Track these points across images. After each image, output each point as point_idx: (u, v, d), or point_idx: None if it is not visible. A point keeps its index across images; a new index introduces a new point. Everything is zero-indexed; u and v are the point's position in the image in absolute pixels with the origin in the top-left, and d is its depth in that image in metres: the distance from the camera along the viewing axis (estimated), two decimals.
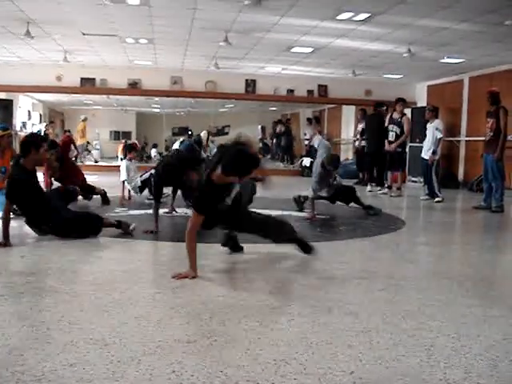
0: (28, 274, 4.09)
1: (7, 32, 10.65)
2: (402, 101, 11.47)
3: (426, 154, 10.32)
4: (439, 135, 10.09)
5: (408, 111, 14.93)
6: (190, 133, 19.33)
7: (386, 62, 13.02)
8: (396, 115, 11.36)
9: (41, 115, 22.56)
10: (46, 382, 2.19)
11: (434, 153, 10.11)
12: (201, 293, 3.59)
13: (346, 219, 7.78)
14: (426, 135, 10.54)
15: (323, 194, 7.82)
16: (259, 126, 26.53)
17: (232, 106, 22.98)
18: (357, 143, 14.42)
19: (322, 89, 16.42)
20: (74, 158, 12.64)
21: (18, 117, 18.99)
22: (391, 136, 11.30)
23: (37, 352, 2.49)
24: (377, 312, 3.28)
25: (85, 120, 21.02)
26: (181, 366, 2.38)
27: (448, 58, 12.09)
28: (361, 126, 13.83)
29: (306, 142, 18.94)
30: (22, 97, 19.59)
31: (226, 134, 23.85)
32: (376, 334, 2.87)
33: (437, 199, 9.99)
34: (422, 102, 15.62)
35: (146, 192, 8.89)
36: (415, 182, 13.23)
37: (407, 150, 12.71)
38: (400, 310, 3.31)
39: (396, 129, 11.30)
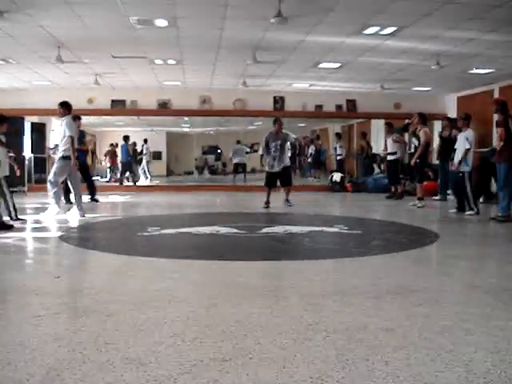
0: (63, 295, 4.14)
1: (38, 57, 10.89)
2: (417, 113, 11.59)
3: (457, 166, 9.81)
4: (467, 146, 9.55)
5: (438, 124, 14.81)
6: None
7: (415, 75, 12.96)
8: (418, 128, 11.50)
9: None
10: None
11: (460, 163, 9.60)
12: (235, 311, 3.58)
13: (379, 234, 7.79)
14: (453, 146, 10.08)
15: None
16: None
17: (260, 123, 23.08)
18: (393, 156, 13.59)
19: (351, 103, 16.40)
20: None
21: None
22: (413, 148, 11.54)
23: (74, 372, 2.51)
24: (413, 327, 3.23)
25: (112, 145, 21.76)
26: None
27: (477, 68, 11.99)
28: (389, 141, 13.56)
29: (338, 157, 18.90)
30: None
31: (256, 151, 23.94)
32: (413, 349, 2.83)
33: (468, 212, 9.65)
34: (452, 113, 15.47)
35: None
36: (448, 194, 13.03)
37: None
38: (436, 325, 3.26)
39: (414, 141, 11.61)
